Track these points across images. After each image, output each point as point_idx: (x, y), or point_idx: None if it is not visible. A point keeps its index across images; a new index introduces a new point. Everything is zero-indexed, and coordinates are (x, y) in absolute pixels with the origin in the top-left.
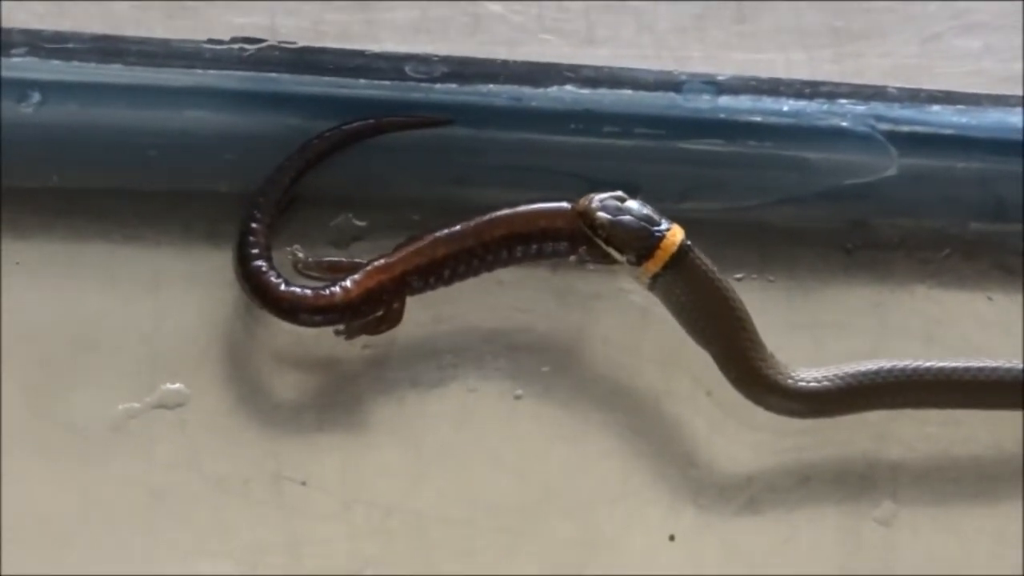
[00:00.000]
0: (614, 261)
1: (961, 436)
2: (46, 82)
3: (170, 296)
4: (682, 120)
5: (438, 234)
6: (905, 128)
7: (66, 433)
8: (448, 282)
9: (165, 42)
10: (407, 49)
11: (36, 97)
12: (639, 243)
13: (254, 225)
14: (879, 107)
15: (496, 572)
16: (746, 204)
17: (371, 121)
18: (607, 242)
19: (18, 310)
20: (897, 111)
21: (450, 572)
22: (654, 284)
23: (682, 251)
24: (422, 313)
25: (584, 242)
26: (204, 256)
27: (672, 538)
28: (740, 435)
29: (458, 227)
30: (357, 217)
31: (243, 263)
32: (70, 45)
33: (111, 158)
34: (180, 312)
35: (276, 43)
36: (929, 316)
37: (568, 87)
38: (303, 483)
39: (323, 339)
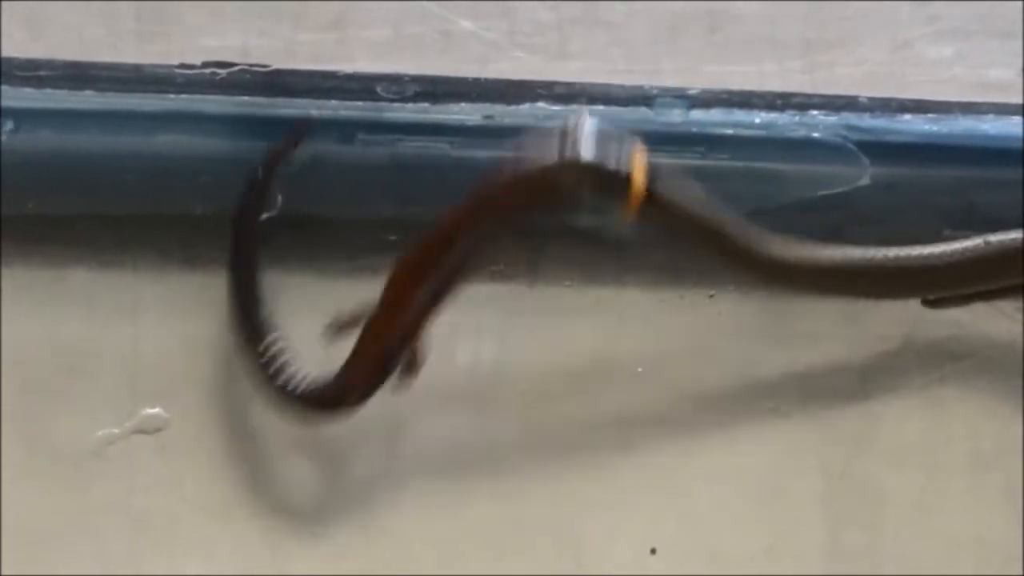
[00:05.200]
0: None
1: (942, 438)
2: (19, 110)
3: (148, 321)
4: (655, 135)
5: (400, 270)
6: (877, 138)
7: (46, 459)
8: (448, 299)
9: (137, 67)
10: (379, 68)
11: (9, 125)
12: (609, 201)
13: (261, 346)
14: (851, 117)
15: None
16: None
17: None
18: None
19: None
20: (868, 121)
21: None
22: (635, 221)
23: (650, 193)
24: None
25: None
26: (182, 280)
27: (654, 551)
28: (719, 444)
29: (417, 251)
30: (332, 239)
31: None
32: (42, 72)
33: (86, 184)
34: (158, 336)
35: (248, 66)
36: (905, 323)
37: (540, 104)
38: (285, 504)
39: None
